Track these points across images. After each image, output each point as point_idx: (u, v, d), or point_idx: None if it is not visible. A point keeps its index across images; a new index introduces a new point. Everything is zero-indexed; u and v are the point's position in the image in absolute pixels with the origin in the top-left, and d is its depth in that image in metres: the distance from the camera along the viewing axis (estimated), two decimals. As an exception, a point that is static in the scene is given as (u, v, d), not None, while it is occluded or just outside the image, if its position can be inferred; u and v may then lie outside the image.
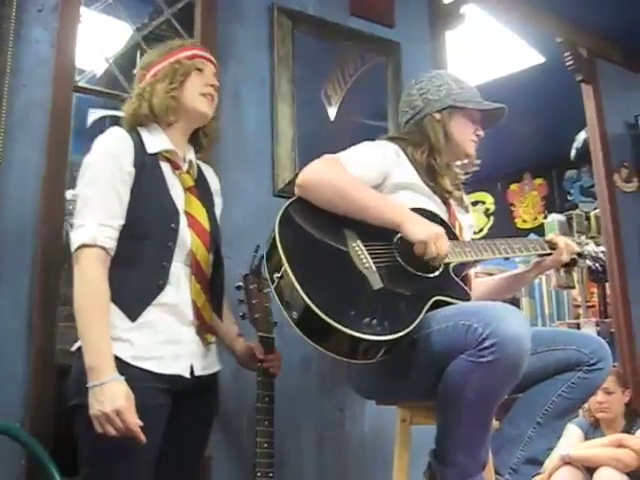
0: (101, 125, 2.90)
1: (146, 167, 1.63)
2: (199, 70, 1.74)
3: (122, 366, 1.48)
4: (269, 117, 2.45)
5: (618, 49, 4.02)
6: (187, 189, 1.69)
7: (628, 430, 3.09)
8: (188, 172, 1.73)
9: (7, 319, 1.89)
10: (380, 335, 1.52)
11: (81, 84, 2.18)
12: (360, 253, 1.67)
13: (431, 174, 1.90)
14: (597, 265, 2.07)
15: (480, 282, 2.12)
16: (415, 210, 1.76)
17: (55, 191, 2.02)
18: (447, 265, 1.74)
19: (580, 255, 2.04)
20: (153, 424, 1.50)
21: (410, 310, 1.60)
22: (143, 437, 1.43)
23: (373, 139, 1.95)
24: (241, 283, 1.85)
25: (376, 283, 1.63)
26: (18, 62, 2.02)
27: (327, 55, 2.67)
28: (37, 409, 1.87)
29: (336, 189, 1.71)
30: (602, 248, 2.10)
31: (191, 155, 1.76)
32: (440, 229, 1.69)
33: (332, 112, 2.62)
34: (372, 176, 1.80)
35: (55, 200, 2.01)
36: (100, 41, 2.30)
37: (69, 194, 2.33)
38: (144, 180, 1.61)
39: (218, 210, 1.83)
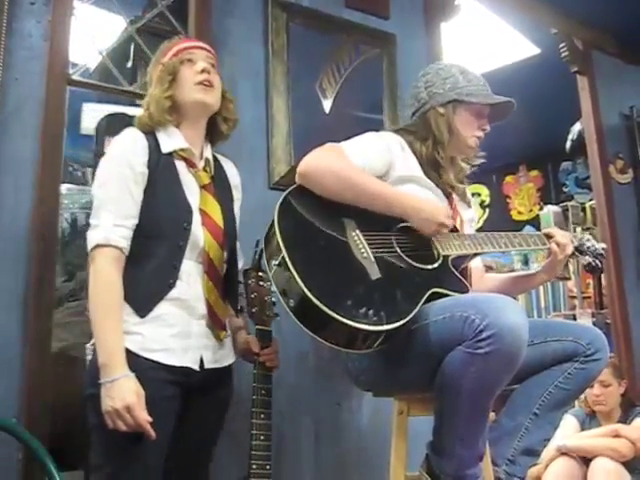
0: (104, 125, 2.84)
1: (160, 167, 1.65)
2: (189, 61, 1.73)
3: (131, 357, 1.51)
4: (264, 110, 2.44)
5: (613, 40, 4.02)
6: (203, 187, 1.70)
7: (624, 420, 3.11)
8: (204, 169, 1.74)
9: (3, 314, 1.89)
10: (376, 325, 1.52)
11: (75, 77, 2.17)
12: (359, 242, 1.67)
13: (435, 167, 1.89)
14: (597, 262, 2.00)
15: (494, 277, 2.11)
16: None
17: (49, 185, 2.01)
18: (446, 257, 1.74)
19: (581, 252, 1.99)
20: (161, 415, 1.52)
21: (408, 301, 1.60)
22: (153, 433, 1.47)
23: (368, 131, 1.94)
24: (240, 277, 1.85)
25: (374, 273, 1.62)
26: (11, 56, 2.01)
27: (322, 47, 2.66)
28: (33, 404, 1.87)
29: (338, 176, 1.70)
30: (603, 245, 2.04)
31: (208, 152, 1.77)
32: (444, 211, 1.73)
33: (327, 105, 2.61)
34: (376, 167, 1.79)
35: (50, 194, 2.00)
36: (93, 34, 2.29)
37: (63, 188, 2.33)
38: (158, 180, 1.64)
39: (237, 205, 1.85)
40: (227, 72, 2.36)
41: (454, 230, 1.81)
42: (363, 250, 1.66)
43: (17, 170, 1.97)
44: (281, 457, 2.20)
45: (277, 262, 1.58)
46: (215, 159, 1.81)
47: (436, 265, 1.72)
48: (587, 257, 1.99)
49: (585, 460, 2.98)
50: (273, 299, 1.79)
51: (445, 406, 1.61)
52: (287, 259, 1.55)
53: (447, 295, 1.67)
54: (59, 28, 2.09)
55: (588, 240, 2.01)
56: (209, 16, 2.38)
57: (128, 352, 1.51)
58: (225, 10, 2.43)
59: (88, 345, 1.61)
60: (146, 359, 1.54)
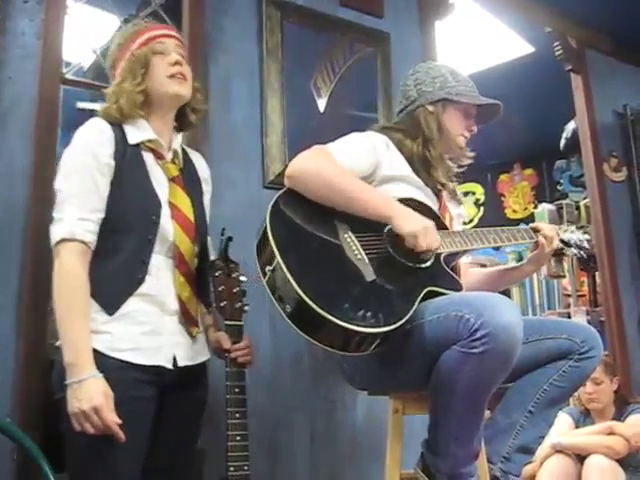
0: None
1: (127, 158, 1.59)
2: (160, 53, 1.68)
3: (100, 358, 1.46)
4: (258, 109, 2.44)
5: (607, 39, 4.02)
6: (171, 179, 1.66)
7: (618, 418, 3.11)
8: (173, 161, 1.69)
9: (-3, 315, 1.88)
10: (374, 327, 1.52)
11: (68, 76, 2.16)
12: (352, 244, 1.66)
13: (424, 165, 1.89)
14: (582, 253, 2.09)
15: (474, 272, 2.11)
16: (403, 200, 1.75)
17: (43, 184, 2.00)
18: (438, 256, 1.74)
19: (566, 243, 2.05)
20: (133, 416, 1.47)
21: (403, 301, 1.60)
22: (122, 435, 1.42)
23: (363, 130, 1.94)
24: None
25: (369, 275, 1.62)
26: (4, 54, 2.00)
27: (316, 46, 2.66)
28: (27, 404, 1.87)
29: (325, 181, 1.69)
30: (587, 236, 2.10)
31: (176, 144, 1.72)
32: (429, 222, 1.68)
33: (322, 103, 2.61)
34: (362, 167, 1.79)
35: (43, 193, 1.99)
36: (87, 33, 2.28)
37: (57, 187, 2.31)
38: (125, 172, 1.58)
39: (207, 198, 1.80)
40: (221, 71, 2.37)
41: (444, 228, 1.81)
42: (357, 252, 1.65)
43: (11, 169, 1.97)
44: (276, 456, 2.20)
45: (271, 267, 1.57)
46: (183, 151, 1.76)
47: (429, 264, 1.71)
48: (572, 249, 2.07)
49: (580, 457, 2.98)
50: (243, 288, 1.74)
51: (440, 405, 1.61)
52: (282, 264, 1.54)
53: (442, 293, 1.67)
54: (52, 27, 2.09)
55: (572, 232, 2.09)
56: (203, 15, 2.37)
57: (96, 352, 1.46)
58: (219, 9, 2.43)
59: (56, 344, 1.54)
60: (115, 359, 1.49)
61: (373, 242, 1.69)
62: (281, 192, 1.72)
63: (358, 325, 1.50)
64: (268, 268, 1.58)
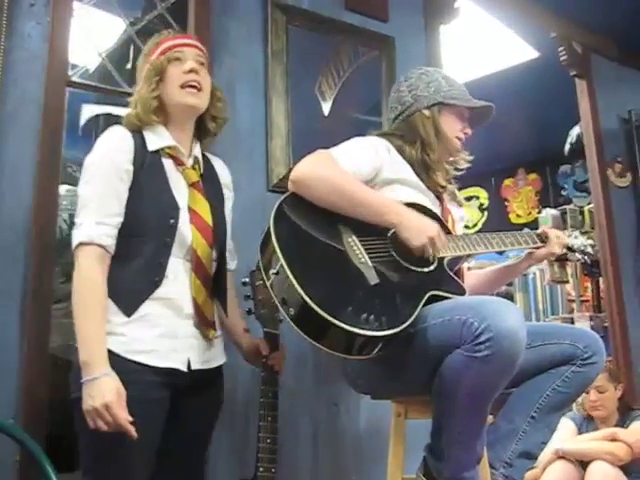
0: (95, 124, 2.89)
1: (146, 165, 1.63)
2: (177, 60, 1.69)
3: (116, 359, 1.49)
4: (263, 112, 2.44)
5: (612, 44, 4.02)
6: (191, 185, 1.68)
7: (622, 424, 3.10)
8: (193, 167, 1.72)
9: (0, 314, 1.88)
10: (378, 330, 1.52)
11: (74, 79, 2.17)
12: (355, 248, 1.67)
13: (424, 169, 1.90)
14: (586, 258, 2.12)
15: (471, 274, 2.12)
16: (409, 205, 1.76)
17: (48, 186, 2.01)
18: (442, 260, 1.74)
19: (570, 249, 2.07)
20: (148, 417, 1.51)
21: (407, 305, 1.60)
22: (134, 432, 1.44)
23: (366, 134, 1.95)
24: (247, 279, 1.83)
25: (372, 278, 1.62)
26: (10, 57, 2.00)
27: (321, 49, 2.66)
28: (31, 405, 1.87)
29: (330, 185, 1.70)
30: (590, 242, 2.12)
31: (197, 151, 1.75)
32: (436, 228, 1.70)
33: (326, 107, 2.62)
34: (365, 171, 1.80)
35: (48, 195, 2.01)
36: (93, 36, 2.29)
37: (62, 189, 2.32)
38: (144, 178, 1.62)
39: (229, 203, 1.83)
40: (226, 74, 2.37)
41: (448, 232, 1.81)
42: (360, 256, 1.66)
43: (16, 171, 1.97)
44: (279, 459, 2.19)
45: (275, 271, 1.57)
46: (205, 158, 1.78)
47: (432, 268, 1.72)
48: (576, 254, 2.09)
49: (582, 464, 2.97)
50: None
51: (443, 409, 1.60)
52: (286, 267, 1.54)
53: (445, 297, 1.68)
54: (59, 29, 2.09)
55: (576, 237, 2.10)
56: (208, 18, 2.38)
57: (112, 354, 1.49)
58: (225, 12, 2.43)
59: (75, 345, 1.56)
60: (131, 361, 1.52)
61: (376, 246, 1.70)
62: (285, 196, 1.73)
63: (361, 328, 1.50)
64: (272, 271, 1.59)
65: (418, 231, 1.68)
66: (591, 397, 3.09)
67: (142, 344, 1.54)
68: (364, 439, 2.39)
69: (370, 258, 1.66)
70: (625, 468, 2.91)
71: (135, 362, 1.53)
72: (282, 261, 1.55)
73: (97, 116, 2.84)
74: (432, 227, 1.71)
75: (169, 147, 1.68)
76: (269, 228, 1.62)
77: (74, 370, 1.53)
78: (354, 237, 1.69)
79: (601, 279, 4.01)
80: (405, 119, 1.96)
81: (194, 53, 1.73)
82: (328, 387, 2.34)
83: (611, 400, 3.14)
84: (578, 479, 2.96)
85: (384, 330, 1.52)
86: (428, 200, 1.87)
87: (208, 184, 1.74)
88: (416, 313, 1.60)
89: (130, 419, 1.44)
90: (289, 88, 2.49)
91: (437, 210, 1.88)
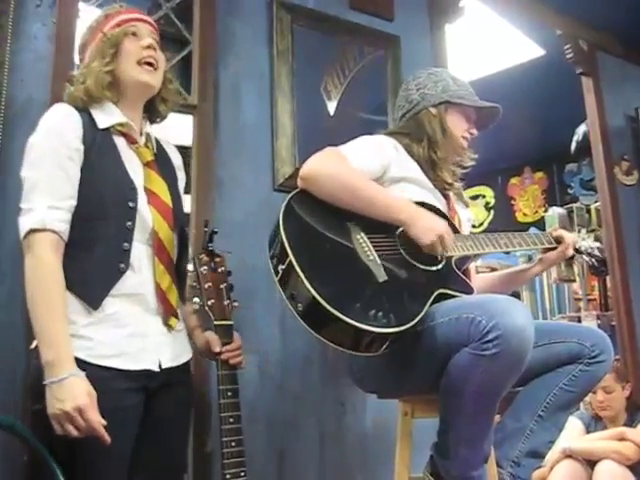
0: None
1: (97, 143, 1.50)
2: (134, 35, 1.59)
3: (83, 367, 1.36)
4: (269, 111, 2.44)
5: (618, 41, 4.01)
6: (146, 164, 1.58)
7: (630, 423, 3.09)
8: (146, 146, 1.61)
9: (5, 314, 1.89)
10: (386, 327, 1.52)
11: (80, 79, 2.17)
12: (364, 245, 1.67)
13: (431, 167, 1.90)
14: (593, 260, 2.10)
15: (482, 277, 2.12)
16: (418, 204, 1.77)
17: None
18: (449, 259, 1.74)
19: (577, 250, 2.06)
20: (123, 426, 1.40)
21: (415, 303, 1.61)
22: (107, 437, 1.33)
23: (372, 133, 1.95)
24: (190, 266, 1.67)
25: (381, 276, 1.63)
26: (17, 58, 2.01)
27: (327, 49, 2.66)
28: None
29: (340, 182, 1.71)
30: (597, 244, 2.11)
31: (148, 128, 1.65)
32: (445, 226, 1.71)
33: (332, 106, 2.62)
34: (373, 169, 1.80)
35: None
36: (99, 36, 2.29)
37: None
38: (96, 157, 1.49)
39: (181, 185, 1.72)
40: (232, 74, 2.37)
41: (455, 231, 1.81)
42: (369, 253, 1.66)
43: (22, 171, 1.97)
44: (285, 459, 2.20)
45: (284, 266, 1.58)
46: (154, 139, 1.68)
47: (440, 266, 1.72)
48: (584, 256, 2.09)
49: (590, 463, 2.96)
50: (230, 282, 1.67)
51: (450, 408, 1.60)
52: (295, 263, 1.54)
53: (453, 296, 1.68)
54: (64, 30, 2.10)
55: (583, 239, 2.10)
56: (214, 17, 2.38)
57: (78, 360, 1.36)
58: (230, 12, 2.44)
59: (31, 347, 1.45)
60: (99, 367, 1.39)
61: (385, 244, 1.70)
62: (294, 192, 1.74)
63: (369, 325, 1.51)
64: (281, 267, 1.60)
65: (427, 229, 1.69)
66: (598, 397, 3.08)
67: (110, 347, 1.42)
68: (370, 438, 2.39)
69: (379, 256, 1.66)
70: (633, 467, 2.90)
71: (104, 367, 1.40)
72: (291, 256, 1.56)
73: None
74: (441, 225, 1.71)
75: (121, 124, 1.56)
76: (278, 223, 1.63)
77: (33, 377, 1.41)
78: (363, 234, 1.69)
79: (608, 277, 3.99)
80: (412, 117, 1.97)
81: (149, 30, 1.63)
82: (334, 387, 2.34)
83: (619, 400, 3.13)
84: (586, 478, 2.95)
85: (392, 327, 1.53)
86: (435, 199, 1.88)
87: (161, 165, 1.63)
88: (424, 311, 1.60)
89: (104, 422, 1.33)
90: (294, 88, 2.49)
91: (444, 210, 1.88)
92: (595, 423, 3.18)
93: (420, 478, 1.73)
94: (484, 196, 6.23)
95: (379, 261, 1.65)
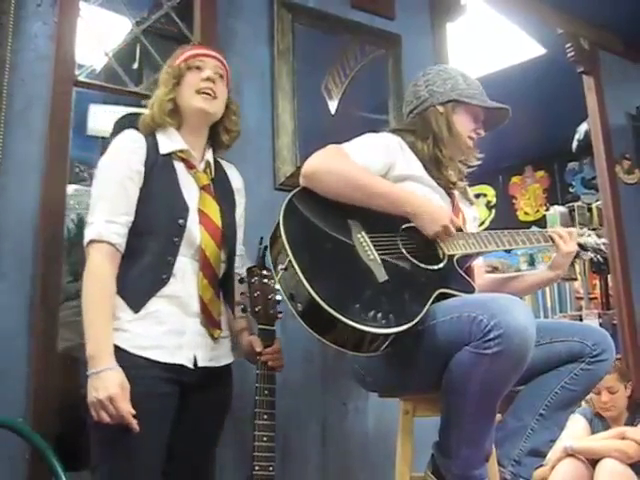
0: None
1: (158, 166, 1.67)
2: (197, 68, 1.76)
3: (123, 355, 1.53)
4: (270, 111, 2.44)
5: (619, 40, 4.01)
6: (202, 188, 1.73)
7: (631, 422, 3.09)
8: (205, 171, 1.76)
9: (9, 314, 1.89)
10: (385, 328, 1.52)
11: (81, 79, 2.17)
12: (365, 245, 1.67)
13: (436, 165, 1.90)
14: (598, 257, 2.09)
15: (490, 277, 2.10)
16: None
17: (56, 186, 2.01)
18: (451, 257, 1.74)
19: (582, 247, 2.04)
20: (157, 412, 1.55)
21: (415, 302, 1.60)
22: (136, 426, 1.48)
23: (374, 132, 1.95)
24: (244, 276, 1.83)
25: (381, 275, 1.62)
26: (18, 57, 2.01)
27: (328, 48, 2.66)
28: (40, 404, 1.87)
29: (344, 178, 1.71)
30: (603, 240, 2.10)
31: (209, 155, 1.80)
32: (449, 215, 1.73)
33: (333, 105, 2.61)
34: (376, 167, 1.80)
35: (56, 195, 2.01)
36: (99, 35, 2.29)
37: (70, 189, 2.33)
38: (155, 179, 1.66)
39: (240, 209, 1.86)
40: (233, 73, 2.35)
41: (458, 229, 1.81)
42: (369, 252, 1.65)
43: (24, 171, 1.98)
44: (287, 457, 2.20)
45: (284, 266, 1.58)
46: (218, 164, 1.83)
47: (442, 265, 1.72)
48: (589, 252, 2.05)
49: (592, 462, 2.96)
50: (277, 297, 1.78)
51: (452, 406, 1.60)
52: (294, 263, 1.54)
53: (454, 295, 1.67)
54: (65, 29, 2.10)
55: (589, 236, 2.06)
56: (214, 17, 2.38)
57: (119, 350, 1.53)
58: (230, 11, 2.44)
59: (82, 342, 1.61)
60: (137, 356, 1.56)
61: (386, 243, 1.69)
62: (295, 191, 1.73)
63: (369, 326, 1.50)
64: (280, 267, 1.60)
65: (432, 220, 1.70)
66: (603, 399, 3.08)
67: (149, 340, 1.58)
68: (372, 437, 2.39)
69: (379, 255, 1.66)
70: (634, 466, 2.90)
71: (142, 357, 1.56)
72: (290, 256, 1.56)
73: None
74: (446, 215, 1.73)
75: (181, 150, 1.73)
76: (278, 223, 1.63)
77: (82, 366, 1.55)
78: (363, 233, 1.69)
79: (609, 276, 3.99)
80: (419, 113, 1.97)
81: (214, 64, 1.79)
82: (336, 386, 2.34)
83: (622, 399, 3.14)
84: (587, 477, 2.95)
85: (391, 327, 1.52)
86: (439, 197, 1.87)
87: (219, 188, 1.78)
88: (424, 311, 1.59)
89: (133, 412, 1.48)
90: (295, 87, 2.49)
91: (448, 208, 1.87)
92: (598, 421, 3.18)
93: (421, 477, 1.73)
94: (485, 195, 6.23)
95: (380, 260, 1.65)
